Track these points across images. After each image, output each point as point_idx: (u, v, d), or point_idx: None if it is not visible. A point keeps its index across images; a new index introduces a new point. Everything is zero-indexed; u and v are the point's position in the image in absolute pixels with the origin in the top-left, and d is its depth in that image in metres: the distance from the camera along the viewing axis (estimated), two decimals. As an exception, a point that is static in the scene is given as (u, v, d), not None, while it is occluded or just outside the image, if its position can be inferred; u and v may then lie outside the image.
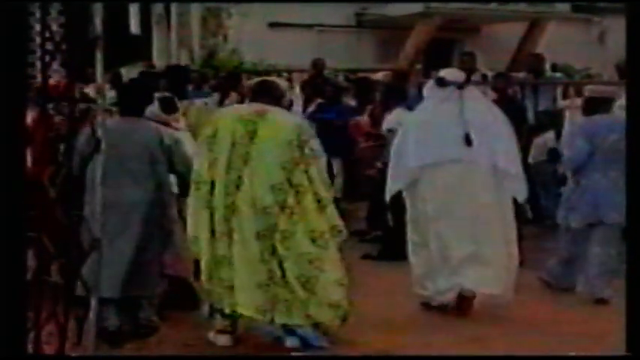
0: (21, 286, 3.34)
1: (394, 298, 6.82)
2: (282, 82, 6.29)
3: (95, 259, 4.07)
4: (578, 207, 7.04)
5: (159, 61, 17.24)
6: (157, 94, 7.09)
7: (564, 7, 18.29)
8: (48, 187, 4.63)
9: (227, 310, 5.51)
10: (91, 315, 3.83)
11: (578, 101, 10.47)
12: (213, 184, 5.53)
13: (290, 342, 5.55)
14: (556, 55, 13.57)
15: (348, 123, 10.83)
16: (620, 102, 7.80)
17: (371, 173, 8.82)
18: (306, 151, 5.56)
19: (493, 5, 17.53)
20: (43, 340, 3.88)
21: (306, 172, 5.53)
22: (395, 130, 7.99)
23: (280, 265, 5.46)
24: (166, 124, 6.70)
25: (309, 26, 17.45)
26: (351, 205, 11.20)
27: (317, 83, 12.25)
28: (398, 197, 7.16)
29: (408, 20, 17.28)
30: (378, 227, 9.62)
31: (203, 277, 5.59)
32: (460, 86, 6.64)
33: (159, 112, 6.74)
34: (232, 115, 5.75)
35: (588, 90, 7.66)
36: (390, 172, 6.75)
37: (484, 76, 11.39)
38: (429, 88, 6.81)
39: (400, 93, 9.00)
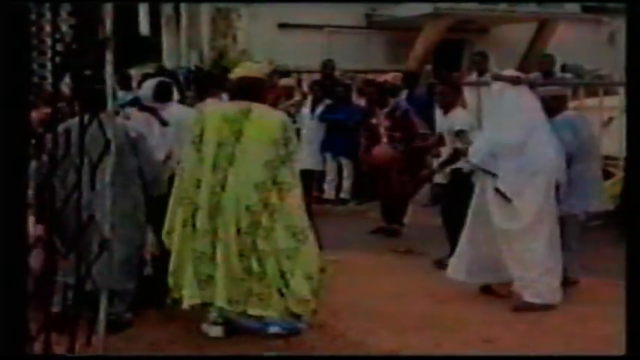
0: (21, 286, 3.35)
1: (405, 299, 6.82)
2: (262, 69, 6.19)
3: (105, 259, 4.08)
4: (566, 198, 7.09)
5: (169, 62, 17.28)
6: (155, 79, 6.95)
7: (574, 8, 18.26)
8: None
9: (197, 301, 5.65)
10: (101, 315, 3.84)
11: (588, 102, 10.49)
12: (199, 183, 5.63)
13: (272, 329, 5.69)
14: (566, 56, 13.55)
15: (360, 124, 10.81)
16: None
17: (425, 174, 8.84)
18: (292, 148, 5.64)
19: (503, 6, 17.50)
20: (53, 340, 3.89)
21: (293, 169, 5.63)
22: (466, 131, 7.95)
23: (259, 260, 5.57)
24: (153, 111, 6.55)
25: (319, 27, 17.46)
26: (360, 207, 11.23)
27: (326, 84, 12.27)
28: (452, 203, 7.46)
29: (418, 21, 17.28)
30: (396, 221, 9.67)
31: (171, 270, 5.70)
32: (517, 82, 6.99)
33: (150, 98, 6.56)
34: (217, 114, 5.77)
35: (544, 90, 7.73)
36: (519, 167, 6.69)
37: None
38: (500, 88, 6.98)
39: (458, 93, 8.97)
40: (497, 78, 7.16)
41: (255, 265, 5.57)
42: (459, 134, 7.96)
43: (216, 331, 5.72)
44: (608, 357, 5.20)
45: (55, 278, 4.08)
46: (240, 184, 5.56)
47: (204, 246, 5.60)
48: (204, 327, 5.76)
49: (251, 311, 5.64)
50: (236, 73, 6.00)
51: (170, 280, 5.73)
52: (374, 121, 9.77)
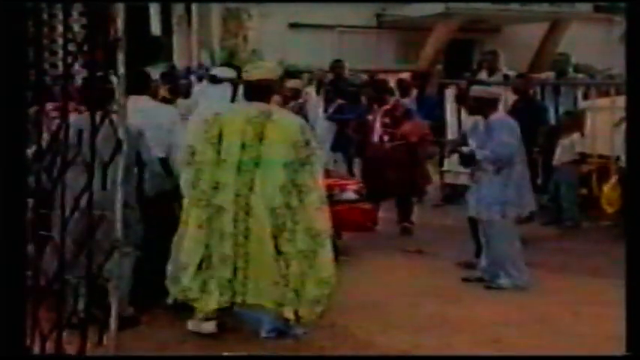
0: (20, 286, 3.35)
1: (416, 299, 6.81)
2: (275, 71, 6.14)
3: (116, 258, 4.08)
4: (513, 200, 7.23)
5: (179, 62, 17.30)
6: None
7: (585, 8, 18.20)
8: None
9: (216, 306, 5.60)
10: (112, 315, 3.84)
11: (600, 102, 10.46)
12: (217, 184, 5.58)
13: (265, 334, 5.70)
14: (577, 56, 13.51)
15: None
16: None
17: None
18: (310, 150, 5.61)
19: (514, 6, 17.46)
20: (64, 339, 3.90)
21: (312, 171, 5.59)
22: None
23: (285, 262, 5.55)
24: None
25: (330, 27, 17.46)
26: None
27: (337, 84, 12.28)
28: None
29: (428, 21, 17.26)
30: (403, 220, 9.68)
31: (178, 270, 5.64)
32: (235, 83, 6.68)
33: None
34: (239, 115, 5.72)
35: (474, 90, 7.75)
36: None
37: (506, 77, 11.36)
38: (202, 87, 6.71)
39: None
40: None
41: (283, 268, 5.55)
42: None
43: (210, 327, 5.70)
44: (608, 357, 5.18)
45: (66, 278, 4.09)
46: (267, 185, 5.53)
47: (228, 249, 5.55)
48: (193, 325, 5.74)
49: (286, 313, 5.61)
50: (252, 74, 5.93)
51: (182, 280, 5.65)
52: (370, 117, 9.81)
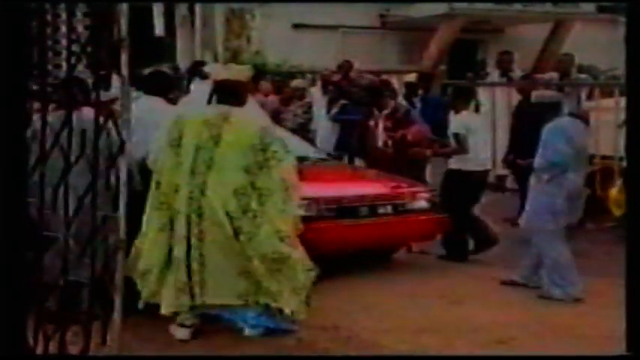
0: (20, 286, 3.36)
1: (419, 300, 6.81)
2: (244, 72, 6.06)
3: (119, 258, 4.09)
4: (563, 209, 7.09)
5: (183, 63, 17.29)
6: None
7: (589, 8, 18.15)
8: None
9: (172, 309, 5.61)
10: (116, 315, 3.85)
11: (604, 102, 10.45)
12: (177, 187, 5.58)
13: (248, 332, 5.71)
14: (581, 56, 13.48)
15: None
16: None
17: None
18: (269, 154, 5.56)
19: (517, 6, 17.43)
20: (68, 340, 3.91)
21: (270, 175, 5.55)
22: (460, 135, 8.23)
23: (250, 261, 5.55)
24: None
25: (333, 27, 17.44)
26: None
27: (342, 85, 12.26)
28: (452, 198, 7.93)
29: (432, 21, 17.22)
30: None
31: (139, 273, 5.64)
32: None
33: None
34: (199, 118, 5.69)
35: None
36: None
37: (509, 78, 11.36)
38: (196, 82, 6.88)
39: (470, 94, 8.98)
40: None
41: (249, 265, 5.55)
42: (455, 137, 8.38)
43: (184, 334, 5.68)
44: (608, 357, 5.18)
45: (70, 278, 4.09)
46: (220, 189, 5.50)
47: (180, 252, 5.54)
48: (172, 328, 5.73)
49: (262, 300, 5.62)
50: (218, 75, 5.91)
51: (140, 284, 5.67)
52: (371, 123, 9.82)
